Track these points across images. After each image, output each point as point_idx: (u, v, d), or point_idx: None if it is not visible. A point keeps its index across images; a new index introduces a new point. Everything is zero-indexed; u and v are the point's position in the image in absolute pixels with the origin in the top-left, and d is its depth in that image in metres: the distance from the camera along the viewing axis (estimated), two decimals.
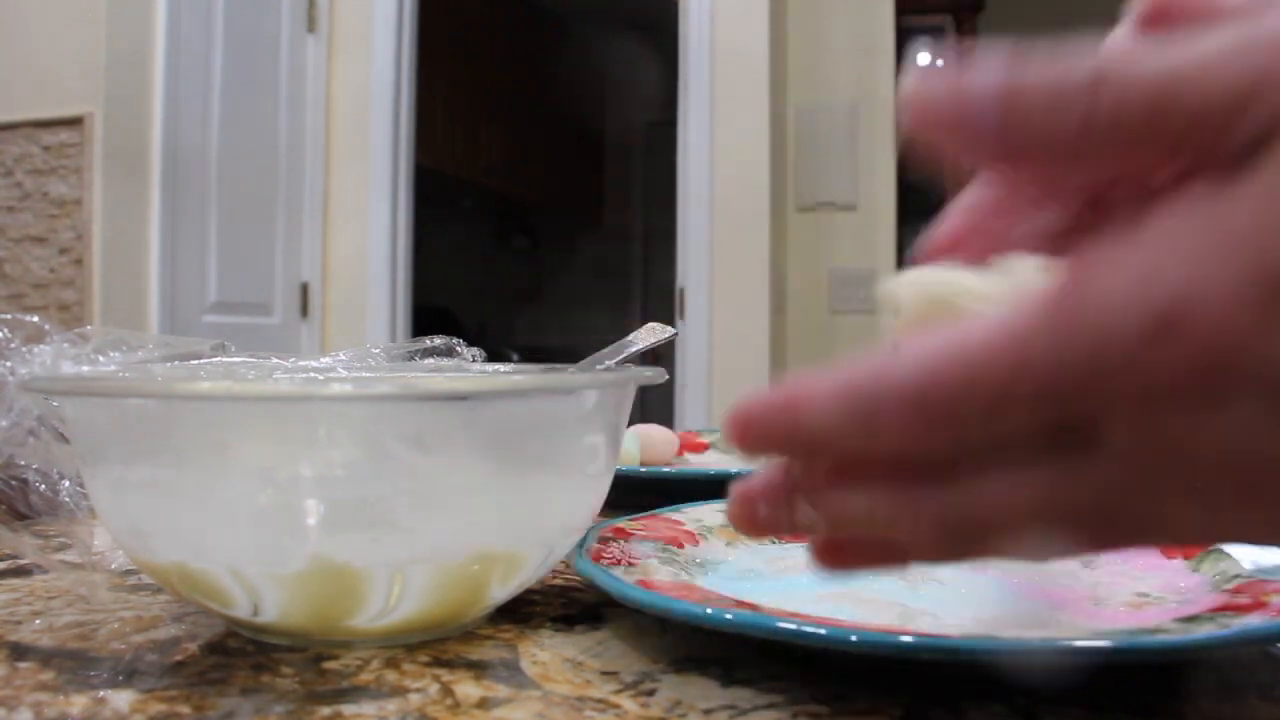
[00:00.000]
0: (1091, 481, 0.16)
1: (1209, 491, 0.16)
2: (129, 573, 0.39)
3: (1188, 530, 0.18)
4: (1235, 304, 0.14)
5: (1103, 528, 0.17)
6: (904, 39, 2.60)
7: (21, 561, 0.41)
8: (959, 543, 0.18)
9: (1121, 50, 0.16)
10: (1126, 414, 0.15)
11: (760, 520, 0.20)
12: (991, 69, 0.16)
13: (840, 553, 0.20)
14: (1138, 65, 0.15)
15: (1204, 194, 0.15)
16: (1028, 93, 0.16)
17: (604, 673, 0.28)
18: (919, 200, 2.21)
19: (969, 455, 0.17)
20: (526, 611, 0.34)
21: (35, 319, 0.33)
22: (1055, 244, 0.20)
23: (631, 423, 0.42)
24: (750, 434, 0.18)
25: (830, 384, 0.17)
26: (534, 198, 4.31)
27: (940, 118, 0.16)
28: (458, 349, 0.42)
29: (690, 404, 2.38)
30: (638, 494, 0.50)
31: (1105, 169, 0.17)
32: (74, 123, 2.14)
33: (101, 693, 0.26)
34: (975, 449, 0.17)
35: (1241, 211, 0.14)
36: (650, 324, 0.42)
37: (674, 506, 0.41)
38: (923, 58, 0.18)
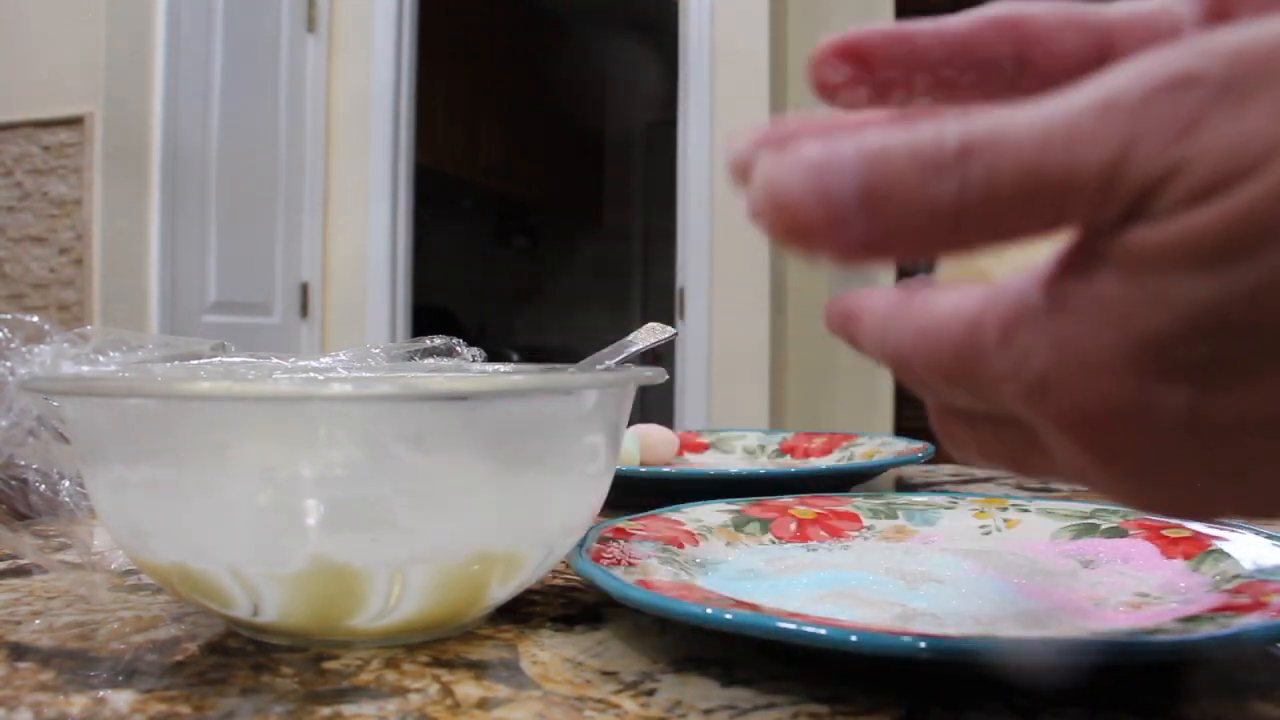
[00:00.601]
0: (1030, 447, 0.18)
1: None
2: (129, 573, 0.39)
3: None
4: (1106, 368, 0.15)
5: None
6: None
7: (21, 561, 0.41)
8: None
9: (989, 113, 0.15)
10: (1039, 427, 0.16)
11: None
12: (846, 148, 0.15)
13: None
14: (1008, 130, 0.15)
15: (1082, 262, 0.15)
16: (893, 173, 0.15)
17: (604, 673, 0.28)
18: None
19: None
20: (526, 611, 0.34)
21: (35, 319, 0.33)
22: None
23: (631, 423, 0.42)
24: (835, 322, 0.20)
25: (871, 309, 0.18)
26: (534, 198, 4.31)
27: (798, 217, 0.15)
28: (458, 349, 0.42)
29: (690, 404, 2.38)
30: (638, 494, 0.50)
31: (983, 244, 0.16)
32: (74, 123, 2.14)
33: (101, 693, 0.26)
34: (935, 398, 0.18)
35: (1110, 284, 0.15)
36: (650, 324, 0.42)
37: (674, 506, 0.41)
38: (734, 137, 0.17)
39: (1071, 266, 0.15)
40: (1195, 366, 0.14)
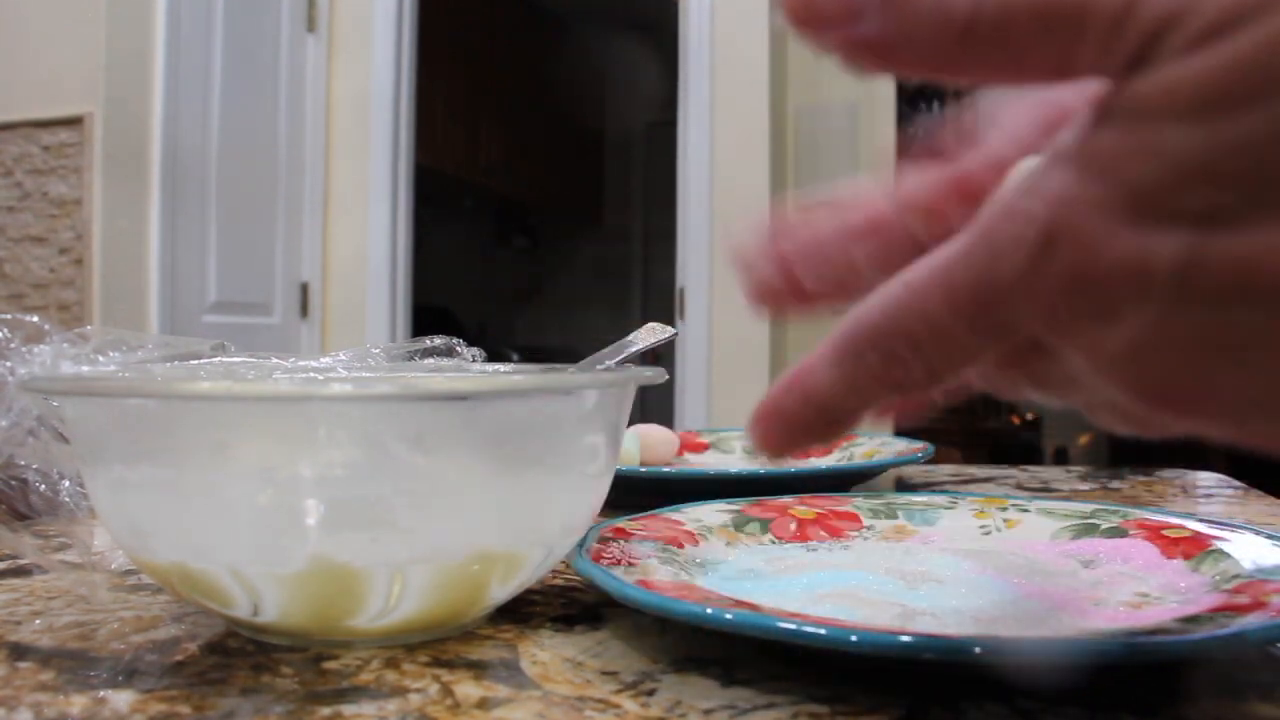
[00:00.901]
0: (1059, 375, 0.18)
1: (1139, 395, 0.17)
2: (129, 573, 0.39)
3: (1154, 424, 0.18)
4: (1102, 218, 0.15)
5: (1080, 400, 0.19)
6: None
7: (21, 561, 0.41)
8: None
9: None
10: (1045, 327, 0.16)
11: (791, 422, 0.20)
12: None
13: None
14: None
15: (1087, 116, 0.15)
16: None
17: (604, 673, 0.28)
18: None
19: (958, 363, 0.18)
20: (526, 611, 0.34)
21: (35, 319, 0.33)
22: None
23: (631, 423, 0.42)
24: (771, 429, 0.19)
25: (819, 351, 0.18)
26: (534, 198, 4.31)
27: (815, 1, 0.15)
28: (458, 349, 0.42)
29: (690, 404, 2.38)
30: (638, 494, 0.50)
31: (988, 73, 0.16)
32: (74, 123, 2.14)
33: (101, 693, 0.26)
34: (960, 359, 0.17)
35: (1108, 134, 0.15)
36: (650, 324, 0.42)
37: (674, 506, 0.41)
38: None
39: (1075, 126, 0.15)
40: (1185, 215, 0.14)
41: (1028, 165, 0.16)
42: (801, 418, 0.19)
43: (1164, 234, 0.14)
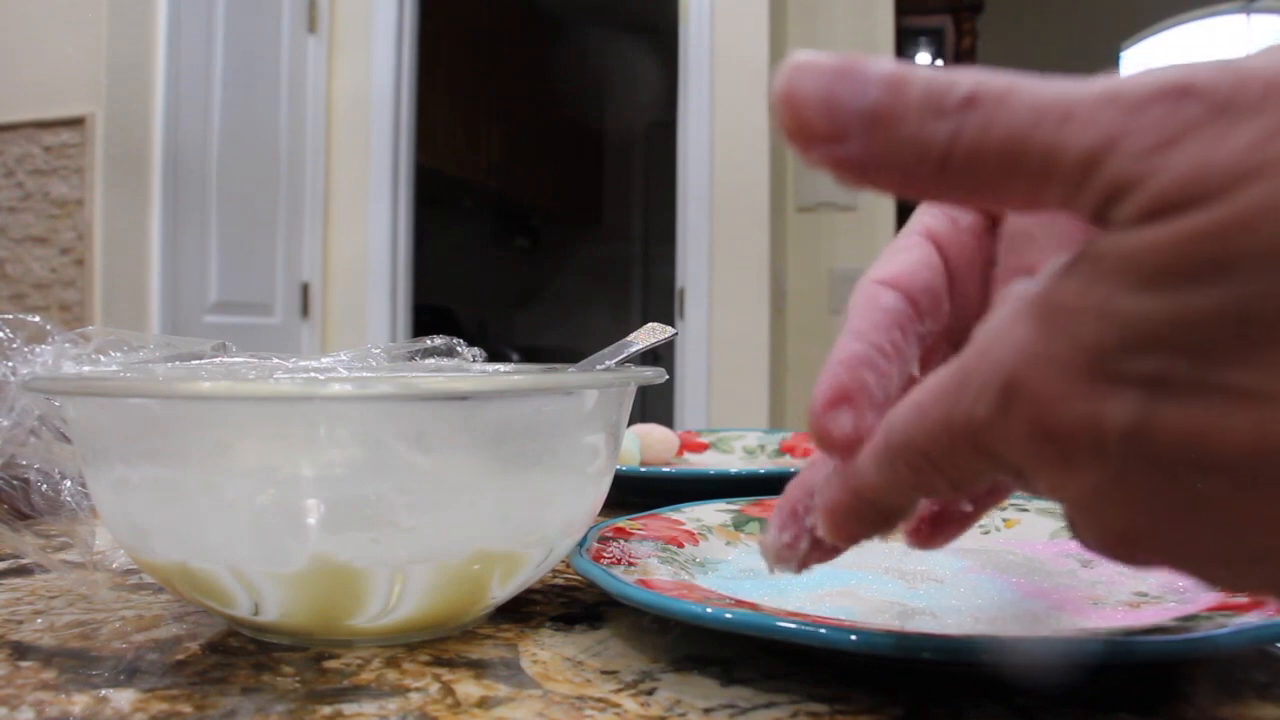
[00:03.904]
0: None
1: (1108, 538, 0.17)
2: (130, 572, 0.39)
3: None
4: (1058, 376, 0.15)
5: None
6: (904, 40, 2.60)
7: (23, 561, 0.41)
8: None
9: (1009, 74, 0.15)
10: (1020, 463, 0.16)
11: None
12: (873, 68, 0.15)
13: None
14: (1012, 97, 0.15)
15: (1053, 267, 0.15)
16: (901, 103, 0.15)
17: (604, 672, 0.28)
18: (918, 201, 2.21)
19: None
20: (526, 611, 0.34)
21: (37, 319, 0.33)
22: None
23: (631, 423, 0.42)
24: (834, 523, 0.21)
25: (866, 450, 0.19)
26: (534, 198, 4.31)
27: (805, 121, 0.16)
28: (458, 349, 0.42)
29: (690, 404, 2.38)
30: (638, 494, 0.50)
31: (964, 199, 0.17)
32: (75, 123, 2.14)
33: (103, 692, 0.26)
34: (972, 475, 0.18)
35: (1071, 287, 0.15)
36: (650, 324, 0.42)
37: (674, 506, 0.41)
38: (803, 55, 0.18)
39: (1048, 270, 0.16)
40: (1137, 379, 0.14)
41: (1023, 287, 0.16)
42: (857, 511, 0.20)
43: (1117, 396, 0.15)
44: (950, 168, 0.15)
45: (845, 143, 0.15)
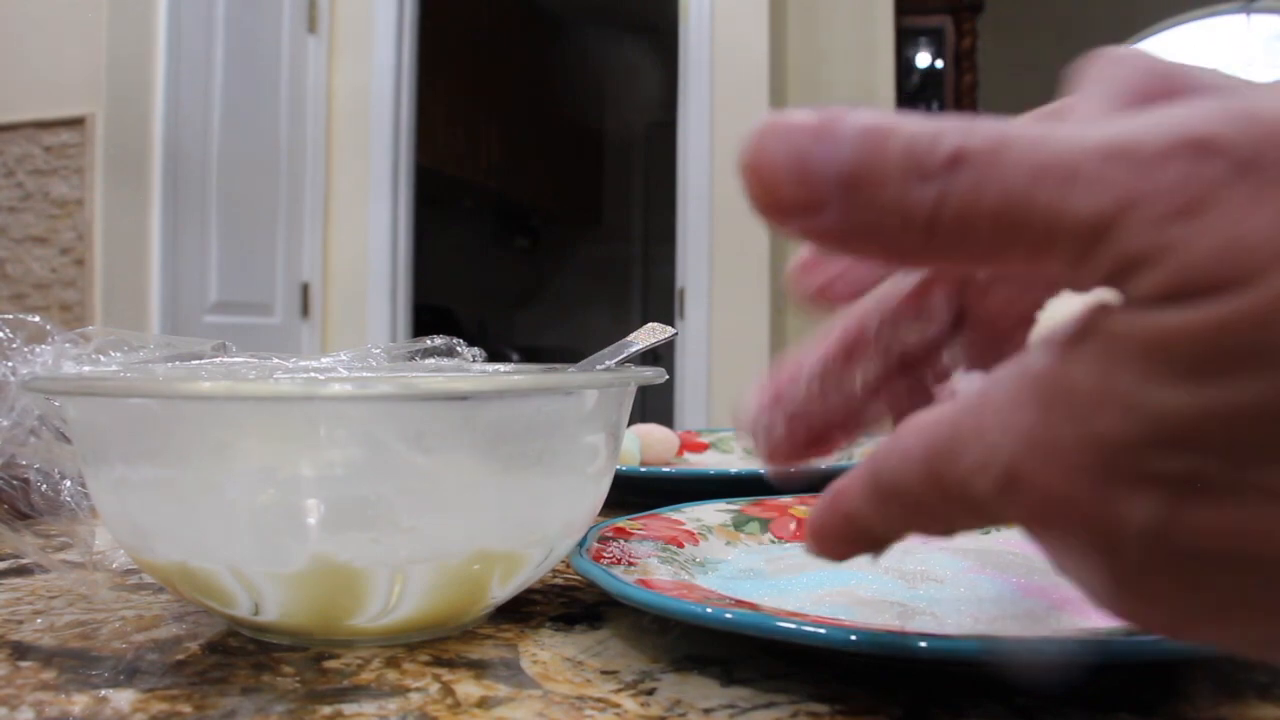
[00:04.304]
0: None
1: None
2: (130, 572, 0.39)
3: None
4: (1067, 470, 0.14)
5: None
6: (904, 40, 2.60)
7: (23, 561, 0.41)
8: None
9: (998, 125, 0.13)
10: (1025, 531, 0.16)
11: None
12: (848, 123, 0.14)
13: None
14: (1006, 153, 0.13)
15: (1055, 335, 0.14)
16: (879, 165, 0.14)
17: (604, 672, 0.28)
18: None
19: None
20: (526, 611, 0.34)
21: (37, 319, 0.33)
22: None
23: (631, 423, 0.42)
24: (823, 545, 0.19)
25: (853, 475, 0.18)
26: (534, 198, 4.32)
27: (776, 193, 0.14)
28: (458, 349, 0.42)
29: (690, 404, 2.38)
30: (638, 494, 0.50)
31: (955, 263, 0.15)
32: (75, 123, 2.15)
33: (103, 692, 0.26)
34: (960, 527, 0.17)
35: (1082, 369, 0.13)
36: (650, 324, 0.42)
37: (674, 506, 0.42)
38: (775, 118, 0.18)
39: (1050, 341, 0.14)
40: (1161, 479, 0.13)
41: (1024, 361, 0.15)
42: (847, 535, 0.19)
43: (1136, 496, 0.13)
44: (938, 235, 0.14)
45: (821, 213, 0.14)
